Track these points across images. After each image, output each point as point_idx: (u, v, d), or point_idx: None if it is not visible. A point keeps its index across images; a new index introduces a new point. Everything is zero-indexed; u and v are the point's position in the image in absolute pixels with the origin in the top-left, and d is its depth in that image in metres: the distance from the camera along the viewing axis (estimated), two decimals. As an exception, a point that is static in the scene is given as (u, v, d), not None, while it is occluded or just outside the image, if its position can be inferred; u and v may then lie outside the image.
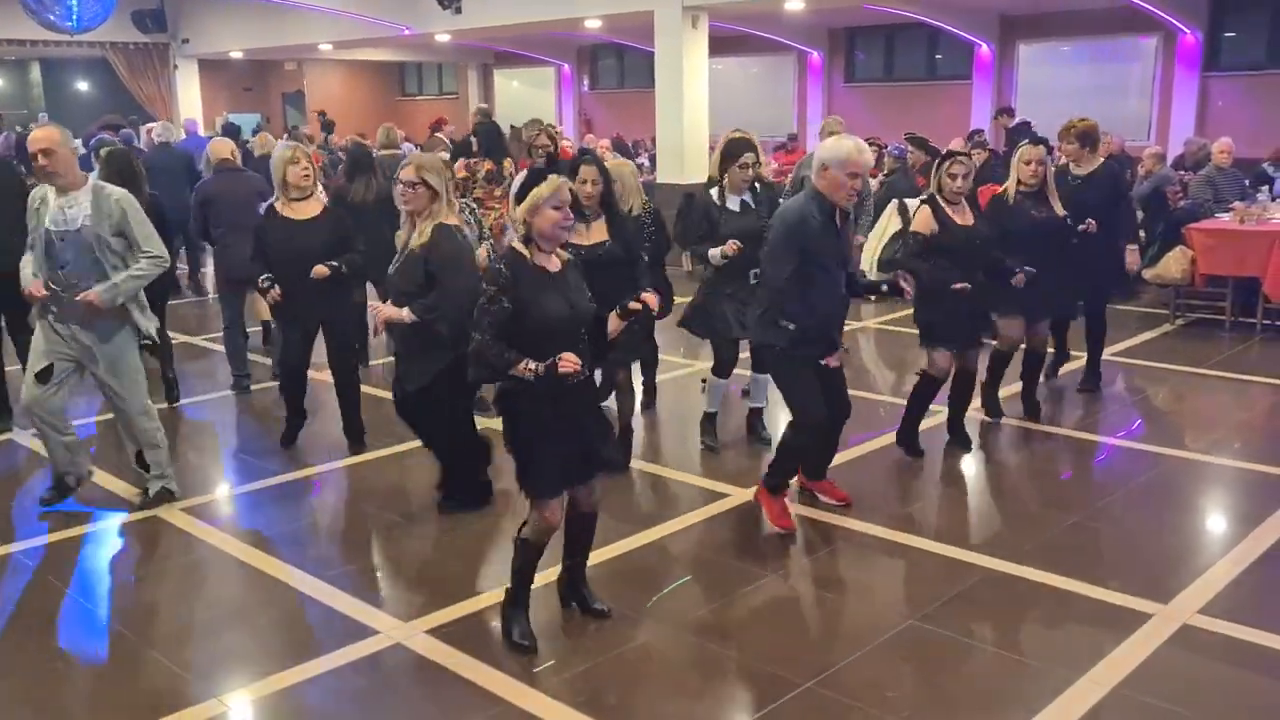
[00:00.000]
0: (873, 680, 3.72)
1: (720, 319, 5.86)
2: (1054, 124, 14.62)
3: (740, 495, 5.41)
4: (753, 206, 5.79)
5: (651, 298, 3.94)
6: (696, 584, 4.55)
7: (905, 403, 5.96)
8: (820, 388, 4.81)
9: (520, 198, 3.75)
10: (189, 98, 20.90)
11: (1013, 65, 16.93)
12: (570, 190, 3.78)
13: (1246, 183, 10.15)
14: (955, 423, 6.07)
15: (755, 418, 6.27)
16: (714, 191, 5.86)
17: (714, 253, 5.65)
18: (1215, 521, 5.23)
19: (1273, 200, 9.90)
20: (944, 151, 5.82)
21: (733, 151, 5.76)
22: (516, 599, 3.98)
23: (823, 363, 4.79)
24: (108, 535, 5.16)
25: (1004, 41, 16.88)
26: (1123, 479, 5.65)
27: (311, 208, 5.93)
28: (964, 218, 5.71)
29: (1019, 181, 6.18)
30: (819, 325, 4.73)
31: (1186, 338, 8.68)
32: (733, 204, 5.79)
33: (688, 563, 4.75)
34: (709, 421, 6.21)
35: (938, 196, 5.70)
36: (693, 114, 12.55)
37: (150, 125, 13.95)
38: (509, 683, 3.72)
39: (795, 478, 5.17)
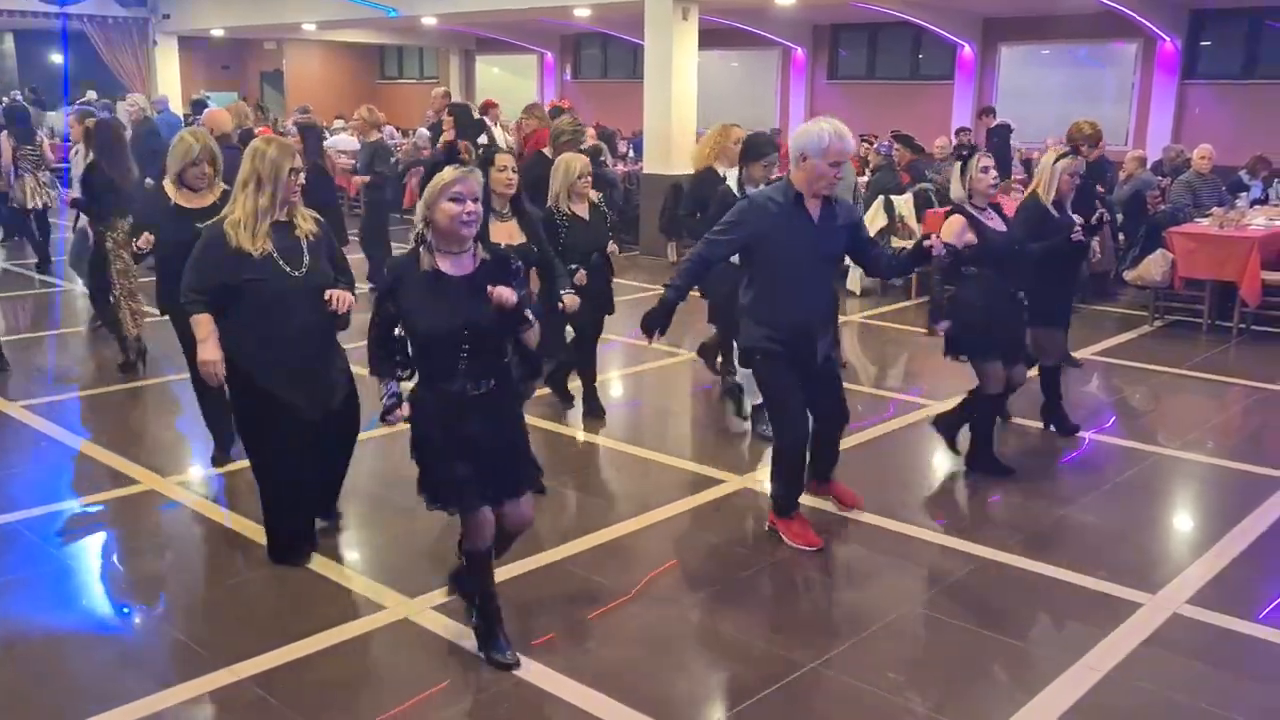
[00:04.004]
0: (874, 662, 3.81)
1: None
2: (1033, 126, 14.91)
3: (734, 481, 5.49)
4: None
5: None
6: (695, 567, 4.62)
7: (901, 399, 5.97)
8: (801, 394, 4.62)
9: (421, 191, 3.45)
10: (168, 74, 20.72)
11: (994, 67, 17.12)
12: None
13: (1224, 188, 10.35)
14: (985, 448, 5.67)
15: (756, 413, 6.15)
16: (731, 182, 5.91)
17: None
18: (1197, 516, 5.37)
19: (1251, 207, 10.10)
20: (969, 148, 5.50)
21: (757, 150, 5.84)
22: (486, 612, 3.77)
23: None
24: (111, 510, 5.16)
25: (986, 43, 17.06)
26: (1106, 474, 5.77)
27: (201, 198, 5.44)
28: (995, 223, 5.39)
29: (1057, 191, 5.86)
30: (788, 331, 4.52)
31: (1165, 339, 8.85)
32: None
33: (685, 546, 4.82)
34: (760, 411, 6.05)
35: (968, 204, 5.37)
36: (681, 106, 12.60)
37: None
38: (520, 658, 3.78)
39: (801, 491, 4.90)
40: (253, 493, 5.23)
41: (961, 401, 5.74)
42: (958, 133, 13.55)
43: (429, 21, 18.62)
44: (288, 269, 4.18)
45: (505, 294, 3.39)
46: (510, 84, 23.09)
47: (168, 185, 5.47)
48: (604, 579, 4.40)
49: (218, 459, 5.64)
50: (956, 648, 3.99)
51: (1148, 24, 14.77)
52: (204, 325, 4.23)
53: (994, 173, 5.36)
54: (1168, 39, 15.07)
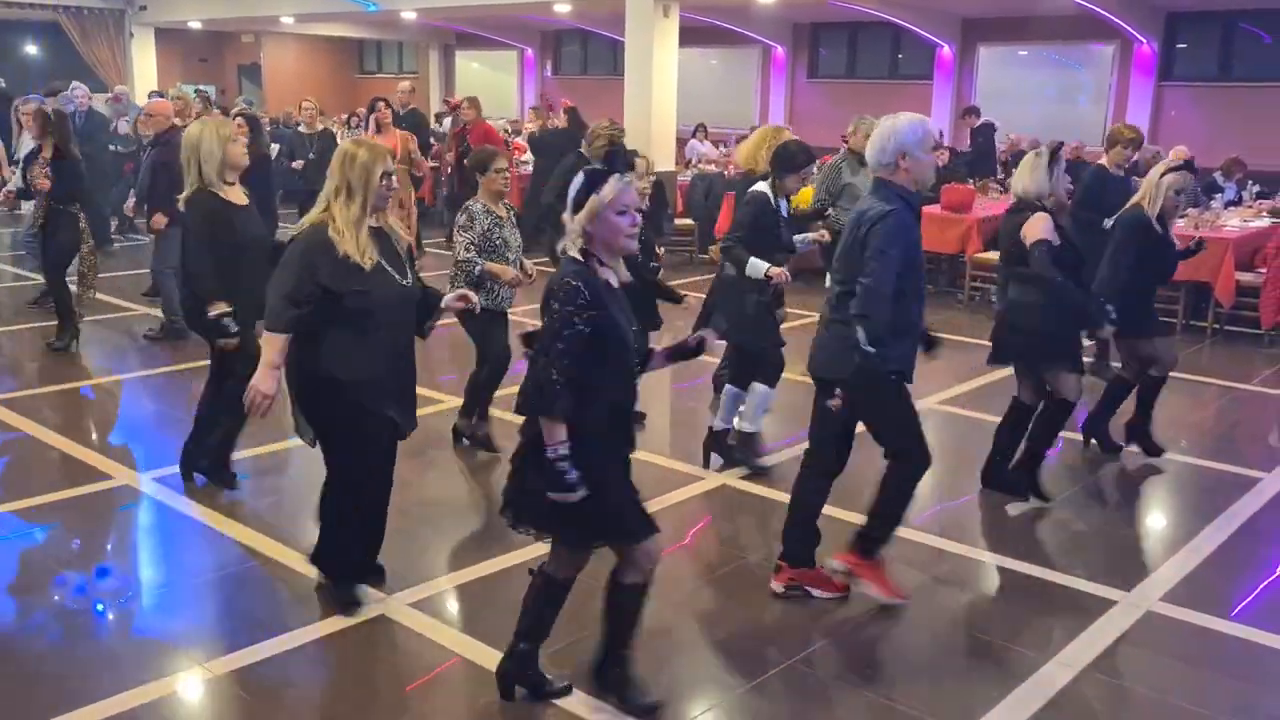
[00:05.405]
0: (851, 658, 3.83)
1: (772, 329, 5.61)
2: (1011, 126, 14.97)
3: (713, 479, 5.49)
4: (786, 216, 5.57)
5: (710, 334, 3.49)
6: (673, 564, 4.61)
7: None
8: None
9: (578, 204, 3.20)
10: (144, 66, 20.49)
11: (973, 67, 17.20)
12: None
13: (1199, 190, 10.43)
14: (1035, 464, 5.35)
15: (720, 439, 5.71)
16: (766, 190, 5.44)
17: (758, 265, 5.31)
18: (1171, 515, 5.41)
19: (1225, 208, 10.19)
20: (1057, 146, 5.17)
21: (793, 162, 5.40)
22: (534, 649, 3.53)
23: (828, 404, 4.12)
24: (85, 505, 5.10)
25: (965, 43, 17.14)
26: (1081, 473, 5.81)
27: (241, 194, 5.09)
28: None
29: (1162, 209, 5.61)
30: (914, 342, 4.15)
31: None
32: (783, 210, 5.52)
33: (663, 543, 4.80)
34: (752, 442, 5.71)
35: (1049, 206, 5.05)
36: (661, 103, 12.60)
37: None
38: (493, 655, 3.74)
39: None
40: (228, 488, 5.22)
41: (1026, 445, 5.36)
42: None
43: (408, 16, 18.54)
44: (398, 276, 3.87)
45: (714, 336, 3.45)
46: (490, 80, 23.01)
47: (214, 188, 4.91)
48: (582, 575, 4.37)
49: (229, 484, 5.25)
50: (932, 644, 4.01)
51: (1124, 26, 14.88)
52: (279, 348, 3.79)
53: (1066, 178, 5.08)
54: (1144, 41, 15.18)
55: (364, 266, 3.73)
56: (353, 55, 26.71)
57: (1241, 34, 14.89)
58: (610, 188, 3.15)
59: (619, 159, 3.28)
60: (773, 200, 5.43)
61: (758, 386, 5.60)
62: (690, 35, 15.12)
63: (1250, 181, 11.78)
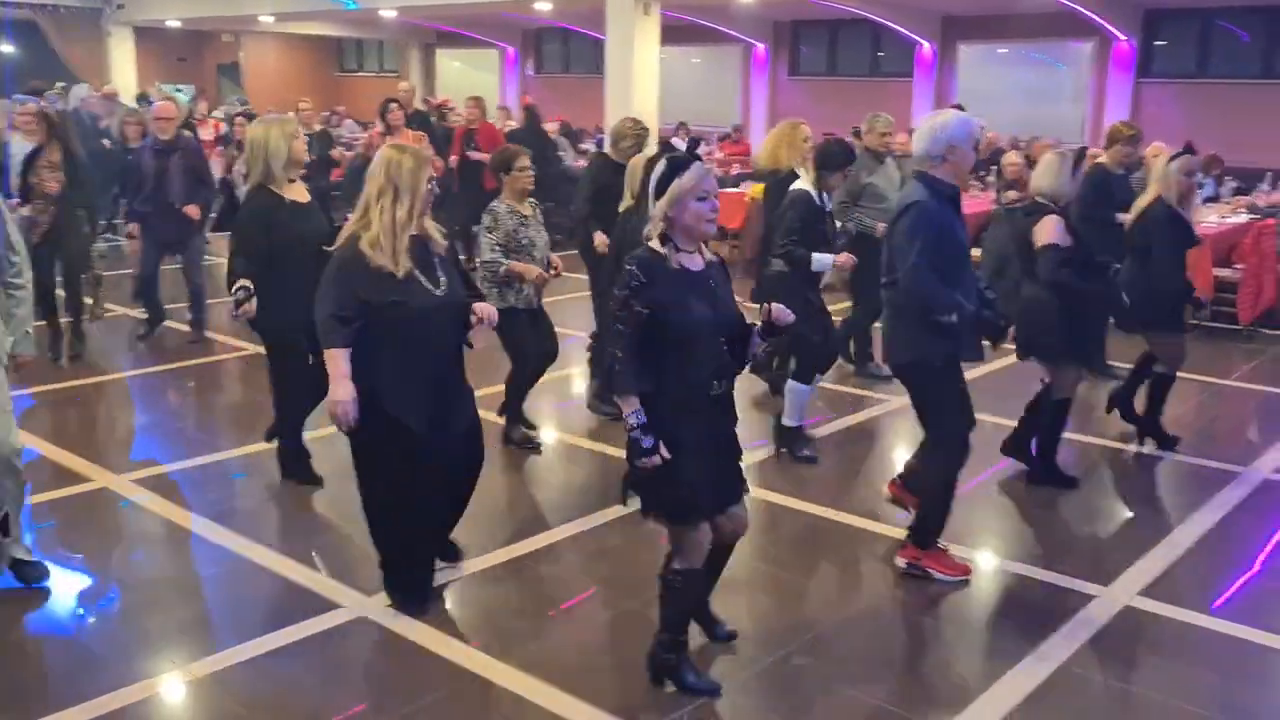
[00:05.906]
0: (833, 656, 3.83)
1: (828, 323, 5.86)
2: (992, 124, 15.03)
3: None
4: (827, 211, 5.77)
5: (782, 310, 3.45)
6: (655, 563, 4.58)
7: (868, 396, 5.86)
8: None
9: (660, 190, 3.29)
10: (122, 66, 20.38)
11: (953, 65, 17.26)
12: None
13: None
14: (1050, 463, 5.52)
15: (792, 436, 5.83)
16: (809, 189, 5.63)
17: (823, 259, 5.52)
18: (1150, 510, 5.44)
19: (1203, 205, 10.26)
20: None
21: (836, 161, 5.60)
22: (679, 643, 3.58)
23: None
24: (58, 508, 5.07)
25: (945, 41, 17.20)
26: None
27: (303, 191, 5.08)
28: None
29: (1179, 195, 5.65)
30: (969, 323, 4.23)
31: (1118, 335, 8.92)
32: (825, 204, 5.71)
33: (644, 542, 4.79)
34: (801, 434, 5.83)
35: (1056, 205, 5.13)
36: (643, 102, 12.61)
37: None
38: (474, 655, 3.76)
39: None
40: (207, 489, 5.21)
41: (1024, 416, 5.55)
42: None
43: (388, 14, 18.49)
44: (431, 286, 3.81)
45: (787, 313, 3.41)
46: (472, 78, 22.96)
47: (274, 186, 4.91)
48: (565, 575, 4.39)
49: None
50: (914, 639, 4.04)
51: (1103, 23, 14.96)
52: (341, 361, 3.75)
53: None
54: (1123, 38, 15.26)
55: (397, 274, 3.72)
56: (332, 54, 26.63)
57: (1219, 31, 15.00)
58: (692, 174, 3.26)
59: (695, 147, 3.39)
60: (817, 198, 5.59)
61: (795, 385, 5.76)
62: (672, 33, 15.13)
63: (1228, 178, 11.87)
